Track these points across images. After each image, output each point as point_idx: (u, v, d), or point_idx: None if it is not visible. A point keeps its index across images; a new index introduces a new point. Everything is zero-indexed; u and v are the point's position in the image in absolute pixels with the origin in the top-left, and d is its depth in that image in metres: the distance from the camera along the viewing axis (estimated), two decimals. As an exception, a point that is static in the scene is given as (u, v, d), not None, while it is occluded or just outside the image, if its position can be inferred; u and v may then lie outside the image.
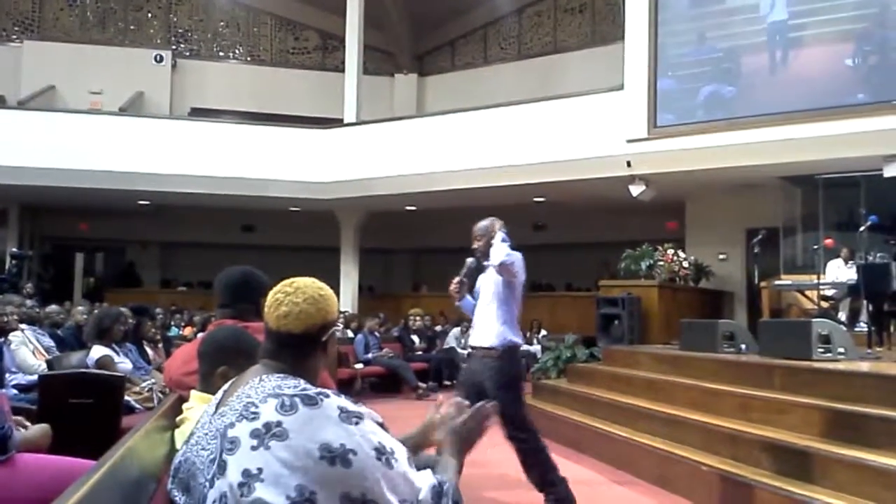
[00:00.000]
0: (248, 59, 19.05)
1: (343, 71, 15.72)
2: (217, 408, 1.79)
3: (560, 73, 16.47)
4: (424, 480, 1.77)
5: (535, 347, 13.28)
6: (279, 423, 1.63)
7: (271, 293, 1.84)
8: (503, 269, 4.35)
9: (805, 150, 10.34)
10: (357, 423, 1.67)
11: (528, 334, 14.07)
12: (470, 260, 4.60)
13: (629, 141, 11.58)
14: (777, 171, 11.38)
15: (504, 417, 4.27)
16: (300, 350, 1.80)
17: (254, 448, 1.62)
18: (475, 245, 4.52)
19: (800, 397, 5.07)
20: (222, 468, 1.63)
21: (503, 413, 4.16)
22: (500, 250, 4.33)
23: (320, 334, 1.82)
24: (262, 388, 1.73)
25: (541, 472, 4.47)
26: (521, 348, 4.63)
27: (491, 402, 2.11)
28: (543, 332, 13.94)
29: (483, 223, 4.54)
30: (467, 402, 2.11)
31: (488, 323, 4.47)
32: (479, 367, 4.51)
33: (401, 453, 1.71)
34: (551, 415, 7.63)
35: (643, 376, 7.19)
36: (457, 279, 4.58)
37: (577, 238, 16.66)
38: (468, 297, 4.64)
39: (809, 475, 4.25)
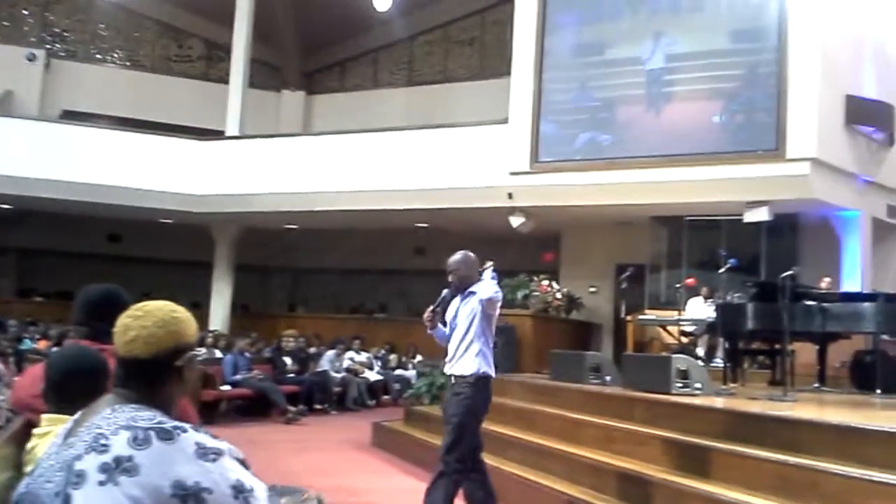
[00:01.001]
0: (128, 63, 18.27)
1: (227, 82, 15.37)
2: (66, 438, 1.68)
3: (448, 103, 16.70)
4: None
5: (411, 373, 13.29)
6: (130, 458, 1.55)
7: (120, 318, 1.75)
8: (490, 303, 4.60)
9: (674, 192, 10.91)
10: (215, 460, 1.60)
11: (403, 359, 14.08)
12: (445, 291, 4.79)
13: (512, 173, 11.88)
14: (648, 210, 11.95)
15: (448, 440, 4.50)
16: (151, 377, 1.71)
17: (101, 483, 1.53)
18: (450, 278, 4.75)
19: (658, 430, 5.29)
20: (67, 503, 1.53)
21: (450, 435, 4.48)
22: (490, 286, 4.61)
23: (173, 359, 1.73)
24: (114, 419, 1.64)
25: (480, 501, 4.60)
26: (492, 379, 4.76)
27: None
28: (419, 358, 13.96)
29: (457, 257, 4.76)
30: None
31: (466, 353, 4.64)
32: (449, 395, 4.72)
33: (261, 492, 1.65)
34: (422, 442, 7.61)
35: (513, 405, 7.30)
36: (430, 309, 4.75)
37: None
38: (440, 326, 4.82)
39: (664, 506, 4.43)
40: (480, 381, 4.59)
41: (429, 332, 4.82)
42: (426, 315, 4.72)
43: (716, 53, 11.08)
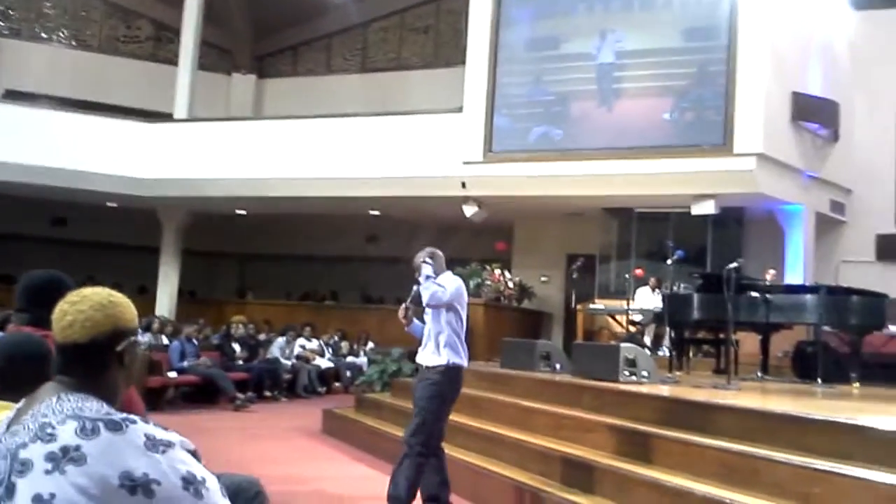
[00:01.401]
0: (74, 43, 17.74)
1: (176, 64, 15.06)
2: (9, 426, 1.64)
3: (402, 90, 16.62)
4: None
5: (362, 360, 13.26)
6: (78, 448, 1.52)
7: (58, 305, 1.72)
8: (433, 306, 4.67)
9: (624, 185, 11.07)
10: (164, 452, 1.57)
11: (355, 346, 14.04)
12: (416, 287, 4.81)
13: (465, 163, 11.90)
14: (599, 202, 12.11)
15: (415, 423, 4.58)
16: (91, 362, 1.68)
17: (48, 472, 1.50)
18: (416, 275, 4.79)
19: (606, 417, 5.38)
20: (10, 492, 1.50)
21: (417, 418, 4.56)
22: (426, 291, 4.63)
23: (112, 343, 1.69)
24: (60, 408, 1.60)
25: (407, 484, 4.58)
26: (464, 368, 4.81)
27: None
28: (371, 345, 13.94)
29: (422, 253, 4.83)
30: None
31: (434, 344, 4.71)
32: (419, 380, 4.80)
33: (213, 484, 1.63)
34: (373, 429, 7.61)
35: (464, 393, 7.28)
36: (403, 305, 4.80)
37: (410, 252, 16.65)
38: (416, 321, 4.85)
39: (610, 493, 4.50)
40: (450, 371, 4.67)
41: (406, 329, 4.90)
42: (400, 312, 4.80)
43: (667, 51, 11.26)
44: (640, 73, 11.37)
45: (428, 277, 4.68)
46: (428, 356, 4.74)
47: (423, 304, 4.70)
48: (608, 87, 11.44)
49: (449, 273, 4.85)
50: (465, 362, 4.78)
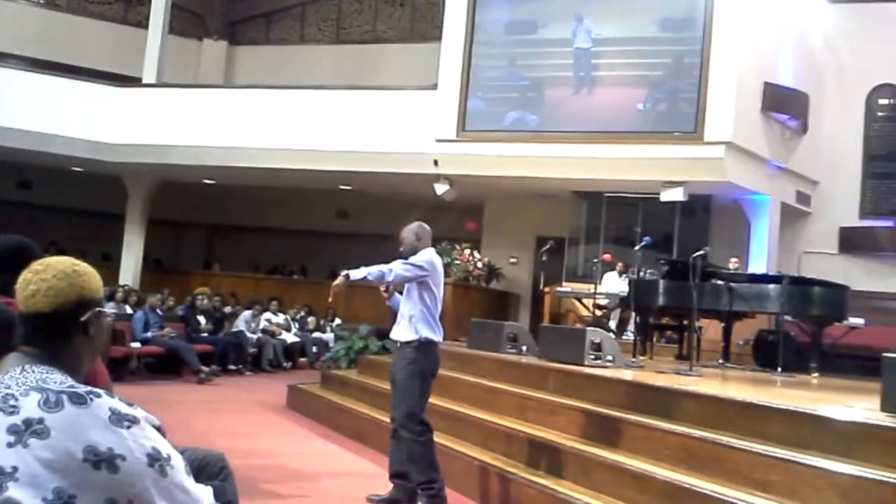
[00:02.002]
0: (42, 2, 17.26)
1: (146, 27, 14.74)
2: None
3: (376, 64, 16.46)
4: (205, 493, 1.68)
5: (329, 336, 13.22)
6: (41, 420, 1.50)
7: (22, 274, 1.69)
8: (397, 282, 4.65)
9: (595, 168, 11.10)
10: (129, 427, 1.55)
11: (321, 322, 13.98)
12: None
13: (438, 140, 11.84)
14: (569, 185, 12.14)
15: (404, 406, 4.57)
16: (55, 332, 1.65)
17: (10, 445, 1.48)
18: (401, 248, 4.76)
19: (570, 400, 5.43)
20: (-29, 464, 1.47)
21: (405, 401, 4.55)
22: (371, 272, 4.56)
23: (76, 313, 1.67)
24: (23, 379, 1.58)
25: (422, 468, 4.58)
26: (439, 343, 4.77)
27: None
28: (338, 321, 13.89)
29: (410, 226, 4.80)
30: None
31: (406, 319, 4.70)
32: (396, 359, 4.76)
33: (178, 461, 1.61)
34: (338, 405, 7.62)
35: (430, 372, 7.34)
36: (342, 275, 4.71)
37: (379, 229, 16.67)
38: (396, 294, 4.83)
39: (573, 475, 4.56)
40: (424, 345, 4.65)
41: (387, 303, 4.91)
42: (382, 287, 4.77)
43: (643, 41, 11.28)
44: (615, 62, 11.39)
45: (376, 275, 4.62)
46: (402, 332, 4.73)
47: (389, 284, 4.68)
48: (584, 73, 11.44)
49: (429, 250, 4.79)
50: (439, 338, 4.76)
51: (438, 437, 5.79)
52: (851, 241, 12.26)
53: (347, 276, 4.53)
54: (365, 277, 4.53)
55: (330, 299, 4.84)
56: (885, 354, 4.00)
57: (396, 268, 4.59)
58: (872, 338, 8.77)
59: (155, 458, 1.56)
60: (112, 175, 14.42)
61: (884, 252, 12.10)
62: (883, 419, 3.80)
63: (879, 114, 12.45)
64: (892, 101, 12.42)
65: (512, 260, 14.16)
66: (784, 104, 11.44)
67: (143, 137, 13.44)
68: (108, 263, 14.39)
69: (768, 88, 11.14)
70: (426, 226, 4.84)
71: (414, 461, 4.60)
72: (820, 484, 3.50)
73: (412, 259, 4.65)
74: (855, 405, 4.78)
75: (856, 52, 12.21)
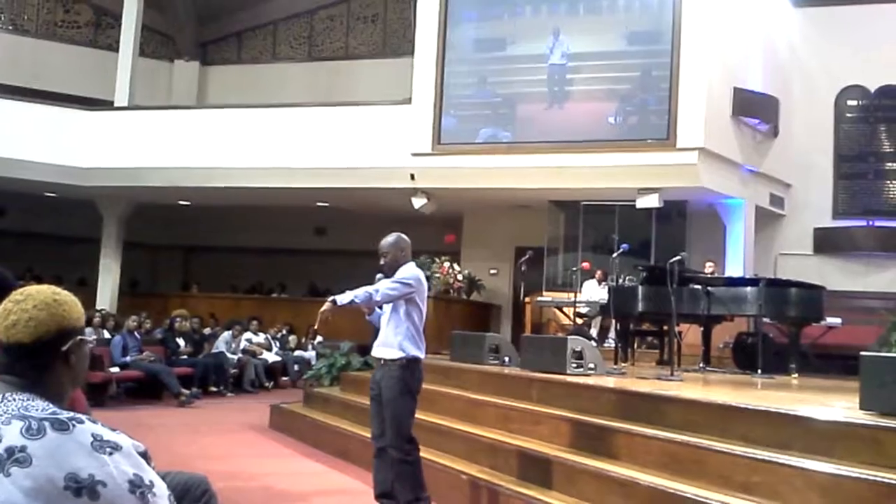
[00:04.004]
0: (10, 27, 17.12)
1: (117, 50, 14.67)
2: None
3: (349, 79, 16.48)
4: None
5: (310, 354, 13.14)
6: (23, 448, 1.50)
7: (2, 304, 1.69)
8: (385, 302, 4.53)
9: (571, 178, 11.19)
10: (111, 454, 1.54)
11: (302, 340, 13.91)
12: (379, 276, 4.68)
13: (414, 154, 11.87)
14: (546, 195, 12.21)
15: (392, 425, 4.49)
16: (36, 362, 1.65)
17: None
18: (382, 261, 4.62)
19: (553, 409, 5.43)
20: (-46, 493, 1.46)
21: (395, 421, 4.46)
22: (357, 295, 4.44)
23: (58, 343, 1.67)
24: (5, 408, 1.58)
25: (411, 486, 4.53)
26: (422, 360, 4.68)
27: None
28: (319, 339, 13.81)
29: (388, 239, 4.65)
30: None
31: (391, 336, 4.58)
32: (380, 377, 4.63)
33: (161, 489, 1.60)
34: (321, 424, 7.56)
35: (413, 386, 7.32)
36: (330, 300, 4.60)
37: (358, 245, 16.66)
38: (377, 309, 4.72)
39: (558, 484, 4.56)
40: (411, 363, 4.57)
41: (367, 318, 4.79)
42: (326, 306, 4.58)
43: (612, 55, 11.41)
44: (585, 76, 11.52)
45: (379, 277, 4.58)
46: (386, 350, 4.61)
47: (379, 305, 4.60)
48: (556, 90, 11.55)
49: (412, 264, 4.69)
50: (423, 354, 4.69)
51: (423, 452, 5.79)
52: (826, 242, 12.43)
53: (335, 301, 4.40)
54: (352, 301, 4.40)
55: (316, 326, 4.72)
56: (862, 353, 4.05)
57: (383, 288, 4.48)
58: (850, 337, 8.87)
59: (136, 485, 1.55)
60: (86, 199, 14.30)
61: (858, 251, 12.28)
62: (862, 417, 3.84)
63: (848, 115, 12.67)
64: (860, 102, 12.65)
65: (492, 271, 14.18)
66: (754, 109, 11.60)
67: (116, 161, 13.35)
68: (84, 288, 14.23)
69: (738, 94, 11.29)
70: (406, 237, 4.72)
71: (402, 480, 4.56)
72: (801, 483, 3.52)
73: (397, 276, 4.53)
74: (834, 404, 4.83)
75: (823, 55, 12.41)
